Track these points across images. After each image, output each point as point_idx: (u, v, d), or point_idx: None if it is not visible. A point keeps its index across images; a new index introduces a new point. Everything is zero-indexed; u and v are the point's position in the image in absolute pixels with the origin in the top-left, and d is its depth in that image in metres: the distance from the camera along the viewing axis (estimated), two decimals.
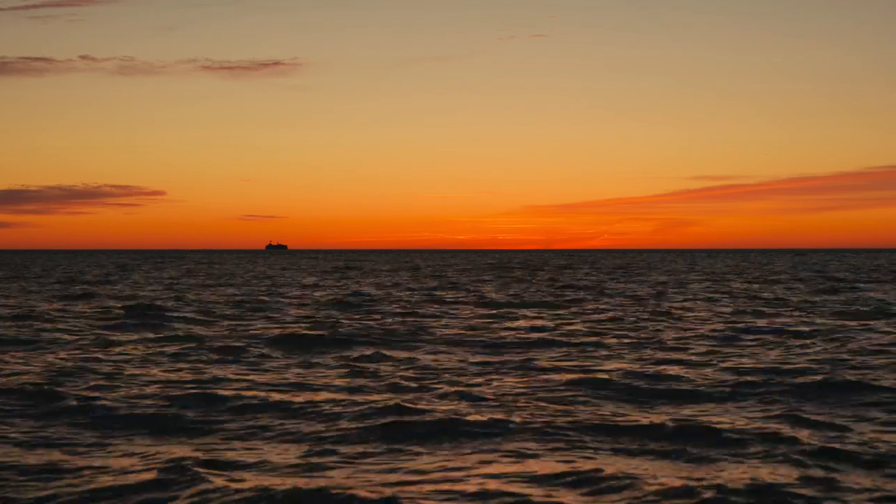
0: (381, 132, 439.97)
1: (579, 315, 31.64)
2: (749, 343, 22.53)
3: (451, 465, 10.36)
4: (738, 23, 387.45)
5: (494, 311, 33.57)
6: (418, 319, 29.60)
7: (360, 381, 16.48)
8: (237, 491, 9.11)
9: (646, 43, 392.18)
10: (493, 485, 9.44)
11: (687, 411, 13.50)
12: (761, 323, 27.61)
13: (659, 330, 25.95)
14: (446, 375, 17.32)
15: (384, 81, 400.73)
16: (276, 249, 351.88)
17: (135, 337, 24.30)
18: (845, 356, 19.57)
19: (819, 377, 16.01)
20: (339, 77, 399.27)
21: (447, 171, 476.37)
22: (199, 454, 10.75)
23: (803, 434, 11.63)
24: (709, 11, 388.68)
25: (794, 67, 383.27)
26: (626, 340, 23.11)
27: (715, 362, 18.75)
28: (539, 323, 28.38)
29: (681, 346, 22.00)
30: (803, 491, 9.13)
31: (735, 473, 9.76)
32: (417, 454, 10.89)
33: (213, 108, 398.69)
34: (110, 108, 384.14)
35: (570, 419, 12.65)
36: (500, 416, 12.80)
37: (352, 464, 10.43)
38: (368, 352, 20.89)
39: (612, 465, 10.19)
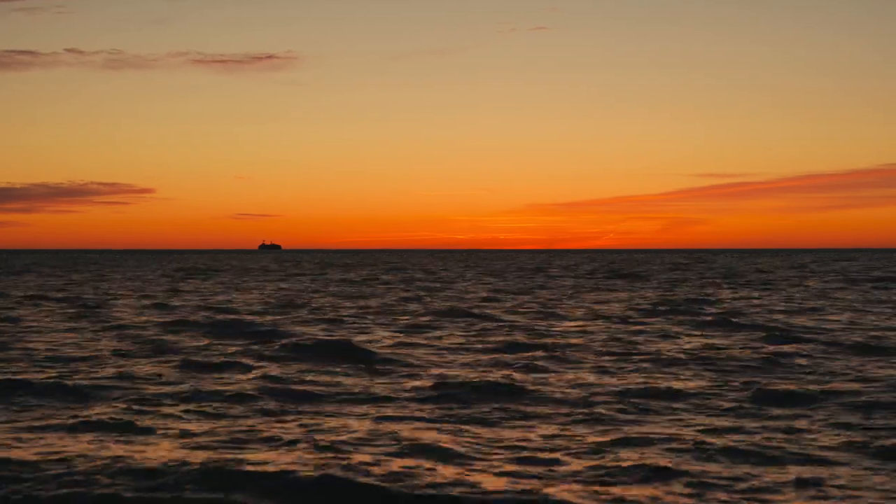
0: (377, 128, 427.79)
1: None
2: None
3: None
4: (746, 15, 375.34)
5: None
6: None
7: None
8: None
9: (650, 36, 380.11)
10: None
11: None
12: None
13: None
14: None
15: (381, 75, 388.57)
16: (270, 249, 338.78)
17: None
18: None
19: None
20: (335, 71, 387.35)
21: (446, 168, 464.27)
22: None
23: None
24: (714, 3, 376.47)
25: (803, 62, 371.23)
26: None
27: None
28: None
29: None
30: None
31: None
32: None
33: (205, 102, 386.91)
34: (98, 102, 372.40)
35: None
36: None
37: None
38: None
39: None
